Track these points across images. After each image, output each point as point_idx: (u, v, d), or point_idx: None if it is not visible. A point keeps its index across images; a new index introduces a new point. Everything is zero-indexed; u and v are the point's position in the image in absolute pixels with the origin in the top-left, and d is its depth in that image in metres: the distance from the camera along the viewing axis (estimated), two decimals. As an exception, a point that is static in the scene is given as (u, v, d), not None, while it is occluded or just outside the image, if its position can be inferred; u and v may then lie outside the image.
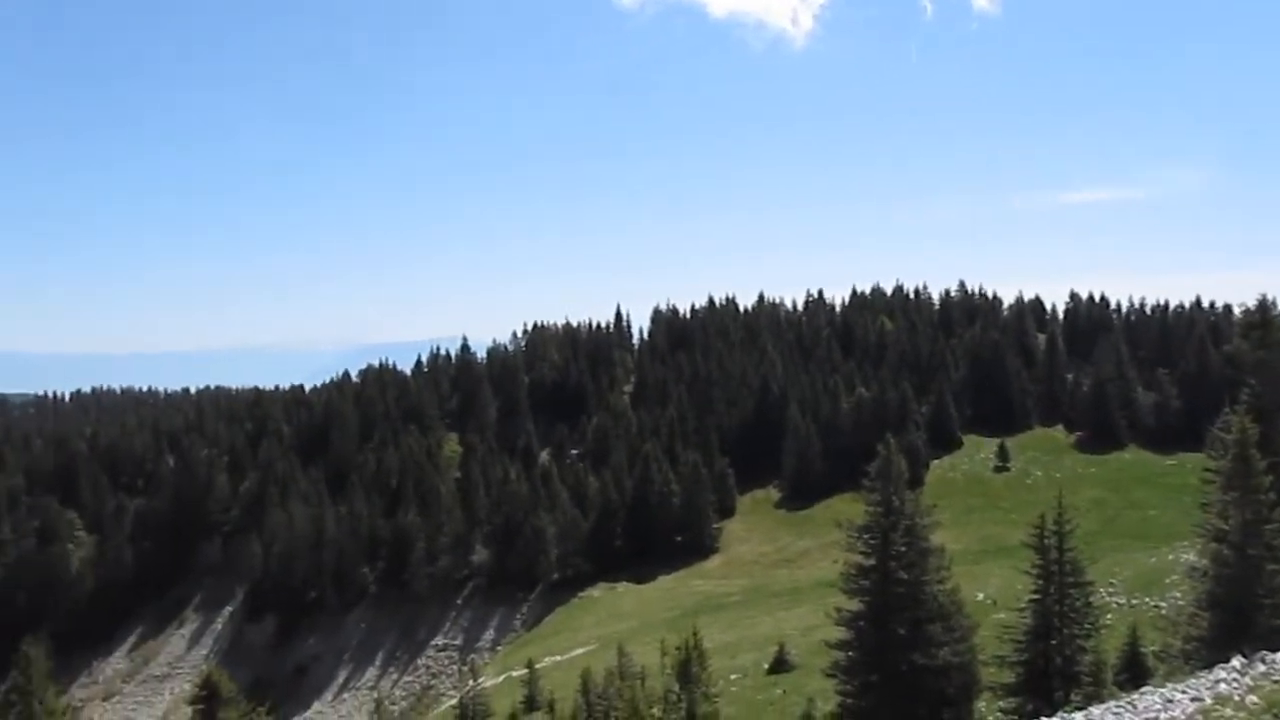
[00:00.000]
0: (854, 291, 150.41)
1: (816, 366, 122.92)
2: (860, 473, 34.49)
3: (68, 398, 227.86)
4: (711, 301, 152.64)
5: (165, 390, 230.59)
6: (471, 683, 54.63)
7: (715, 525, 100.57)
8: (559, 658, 68.40)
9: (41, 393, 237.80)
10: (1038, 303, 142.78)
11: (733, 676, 49.38)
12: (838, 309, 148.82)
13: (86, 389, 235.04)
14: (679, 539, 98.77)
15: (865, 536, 31.92)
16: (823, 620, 38.00)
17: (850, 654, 32.74)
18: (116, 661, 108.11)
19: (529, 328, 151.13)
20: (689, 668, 37.38)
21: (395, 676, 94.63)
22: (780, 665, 49.53)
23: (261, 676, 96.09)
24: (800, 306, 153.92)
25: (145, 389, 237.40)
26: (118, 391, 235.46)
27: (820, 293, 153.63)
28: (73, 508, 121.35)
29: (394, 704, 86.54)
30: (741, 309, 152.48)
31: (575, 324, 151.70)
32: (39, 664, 28.22)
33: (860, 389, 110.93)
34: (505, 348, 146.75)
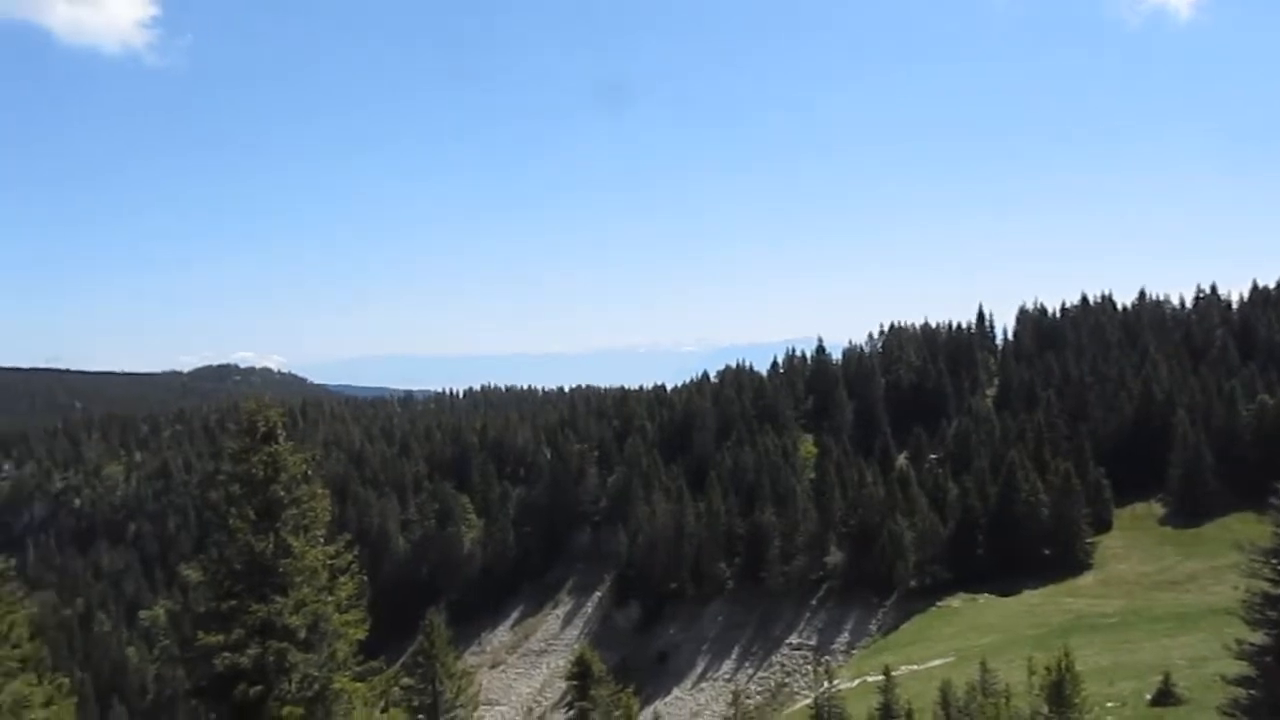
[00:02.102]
0: (1254, 286, 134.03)
1: (1209, 370, 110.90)
2: (1264, 488, 30.75)
3: (462, 395, 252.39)
4: (1085, 299, 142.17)
5: (543, 389, 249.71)
6: (826, 685, 54.45)
7: (1089, 540, 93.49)
8: (916, 667, 66.58)
9: (440, 390, 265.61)
10: None
11: (1109, 705, 45.68)
12: (1234, 306, 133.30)
13: (477, 387, 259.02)
14: (1047, 552, 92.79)
15: (1273, 561, 28.39)
16: (1217, 652, 34.21)
17: (1253, 692, 29.22)
18: (501, 634, 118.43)
19: (885, 328, 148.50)
20: (1061, 690, 35.01)
21: (751, 671, 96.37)
22: (1165, 697, 45.16)
23: (626, 659, 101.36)
24: (1189, 304, 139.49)
25: (526, 387, 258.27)
26: (503, 390, 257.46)
27: (1213, 288, 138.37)
28: (466, 493, 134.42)
29: (749, 698, 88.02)
30: (1119, 307, 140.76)
31: (934, 324, 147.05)
32: (441, 631, 31.54)
33: (1263, 395, 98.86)
34: (861, 349, 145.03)
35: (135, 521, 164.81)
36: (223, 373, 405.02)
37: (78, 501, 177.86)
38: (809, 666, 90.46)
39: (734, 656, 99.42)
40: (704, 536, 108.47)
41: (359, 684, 18.34)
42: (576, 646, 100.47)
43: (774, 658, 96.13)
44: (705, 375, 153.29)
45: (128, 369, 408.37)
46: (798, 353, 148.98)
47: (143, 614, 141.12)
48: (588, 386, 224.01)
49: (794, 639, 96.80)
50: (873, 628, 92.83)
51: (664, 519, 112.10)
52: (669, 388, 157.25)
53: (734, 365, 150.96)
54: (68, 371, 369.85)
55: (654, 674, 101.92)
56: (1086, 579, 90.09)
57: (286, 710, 16.67)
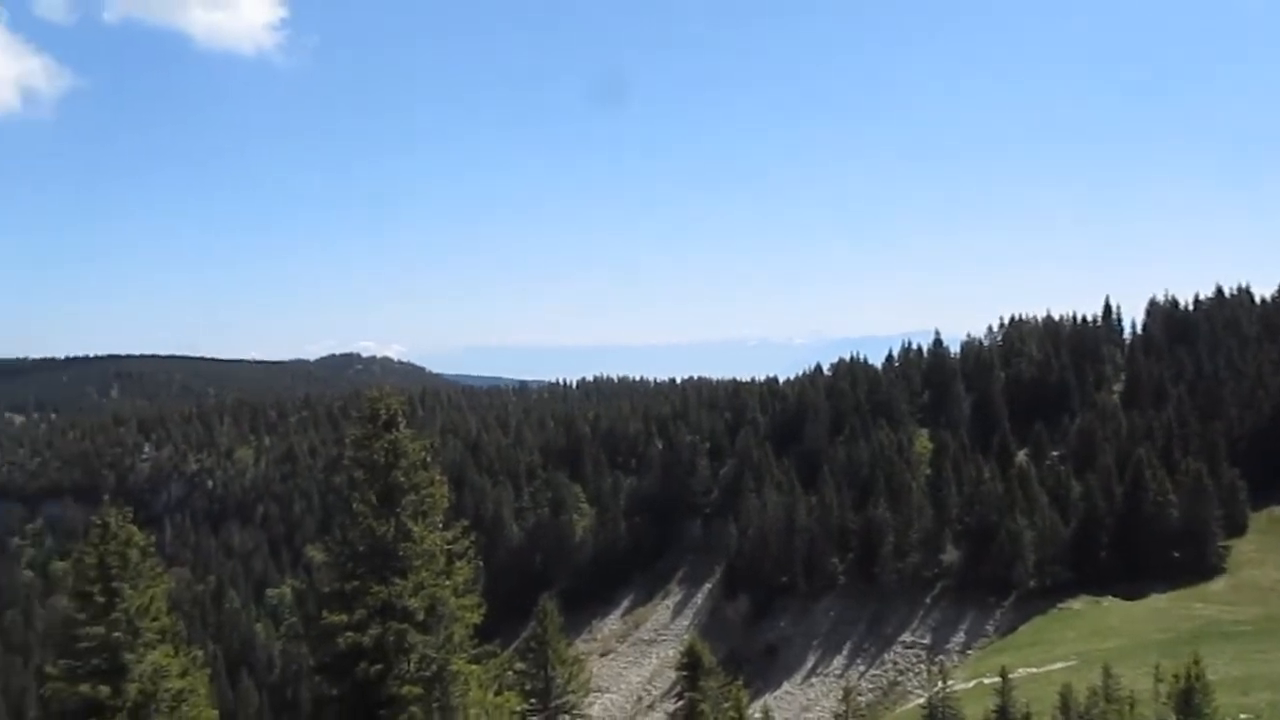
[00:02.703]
0: None
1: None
2: None
3: (575, 385, 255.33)
4: (1219, 291, 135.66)
5: (655, 380, 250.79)
6: (941, 684, 53.49)
7: (1221, 544, 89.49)
8: (1034, 670, 64.85)
9: (554, 380, 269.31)
10: None
11: (1242, 717, 43.75)
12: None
13: (590, 378, 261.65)
14: (1175, 555, 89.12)
15: None
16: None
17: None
18: (612, 622, 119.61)
19: (1005, 321, 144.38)
20: (1190, 699, 33.73)
21: (862, 668, 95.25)
22: (1304, 710, 43.12)
23: (735, 651, 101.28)
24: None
25: (638, 378, 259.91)
26: (615, 380, 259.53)
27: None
28: (578, 482, 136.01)
29: (860, 695, 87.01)
30: (1257, 299, 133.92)
31: (1057, 317, 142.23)
32: (554, 618, 32.10)
33: None
34: (980, 342, 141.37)
35: (263, 503, 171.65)
36: (346, 361, 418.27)
37: (211, 483, 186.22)
38: (922, 666, 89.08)
39: (845, 653, 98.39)
40: (816, 531, 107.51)
41: (475, 666, 18.84)
42: (686, 637, 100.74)
43: (886, 656, 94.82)
44: (818, 368, 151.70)
45: (258, 357, 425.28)
46: (913, 346, 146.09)
47: (270, 592, 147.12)
48: (699, 378, 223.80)
49: (907, 637, 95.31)
50: (989, 628, 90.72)
51: (775, 512, 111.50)
52: (781, 380, 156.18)
53: (847, 358, 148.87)
54: (203, 359, 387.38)
55: (763, 667, 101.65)
56: (1218, 584, 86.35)
57: (405, 689, 17.24)
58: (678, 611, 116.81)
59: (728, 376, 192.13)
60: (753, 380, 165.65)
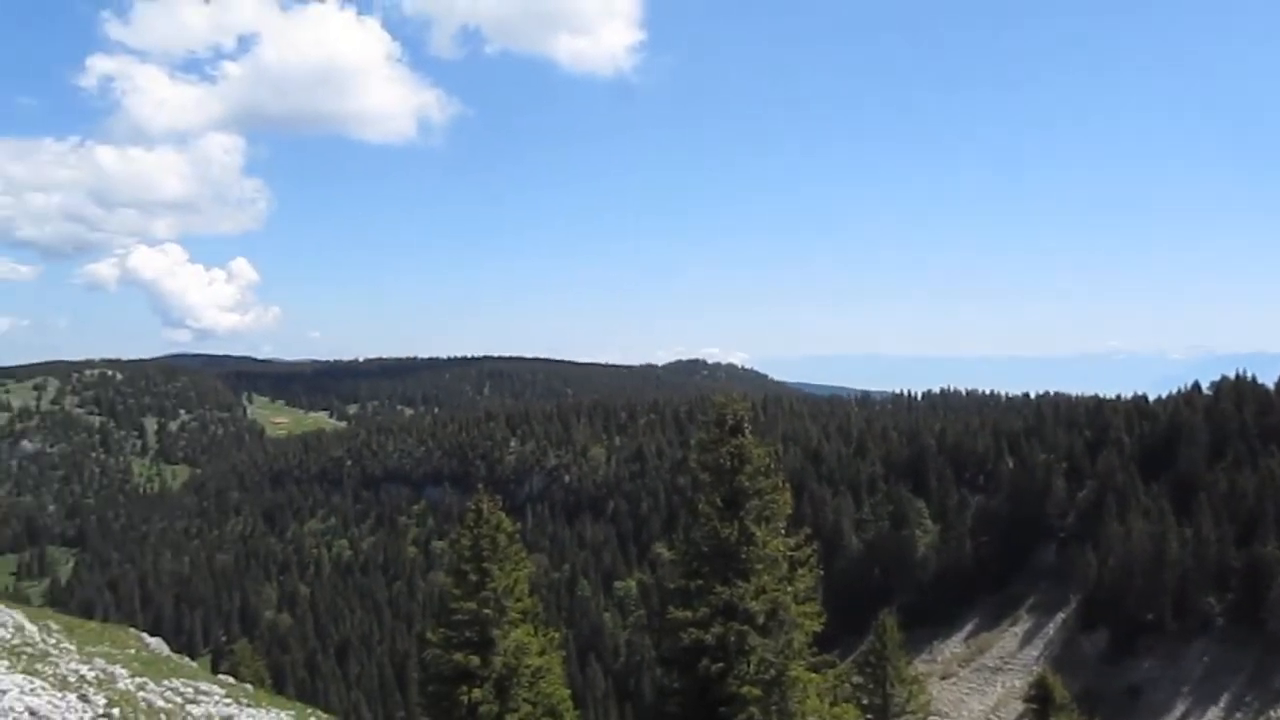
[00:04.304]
0: None
1: None
2: None
3: (920, 396, 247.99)
4: None
5: (1006, 394, 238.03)
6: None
7: None
8: None
9: (898, 391, 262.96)
10: None
11: None
12: None
13: (936, 389, 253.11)
14: None
15: None
16: None
17: None
18: (954, 645, 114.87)
19: None
20: None
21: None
22: None
23: (1090, 688, 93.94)
24: None
25: (988, 391, 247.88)
26: (963, 393, 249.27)
27: None
28: (921, 497, 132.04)
29: (1241, 753, 78.07)
30: None
31: None
32: (893, 634, 31.44)
33: None
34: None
35: (614, 499, 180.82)
36: (692, 367, 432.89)
37: (567, 478, 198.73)
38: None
39: (1222, 705, 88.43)
40: (1189, 565, 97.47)
41: (814, 675, 18.88)
42: (1036, 668, 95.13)
43: (1273, 712, 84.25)
44: (1196, 385, 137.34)
45: (611, 361, 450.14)
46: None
47: (618, 584, 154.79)
48: (1056, 393, 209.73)
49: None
50: None
51: (1141, 542, 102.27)
52: (1150, 398, 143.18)
53: (1232, 376, 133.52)
54: (562, 362, 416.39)
55: (1122, 708, 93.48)
56: None
57: (745, 689, 17.58)
58: (1026, 640, 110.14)
59: (1088, 392, 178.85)
60: (1118, 397, 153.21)
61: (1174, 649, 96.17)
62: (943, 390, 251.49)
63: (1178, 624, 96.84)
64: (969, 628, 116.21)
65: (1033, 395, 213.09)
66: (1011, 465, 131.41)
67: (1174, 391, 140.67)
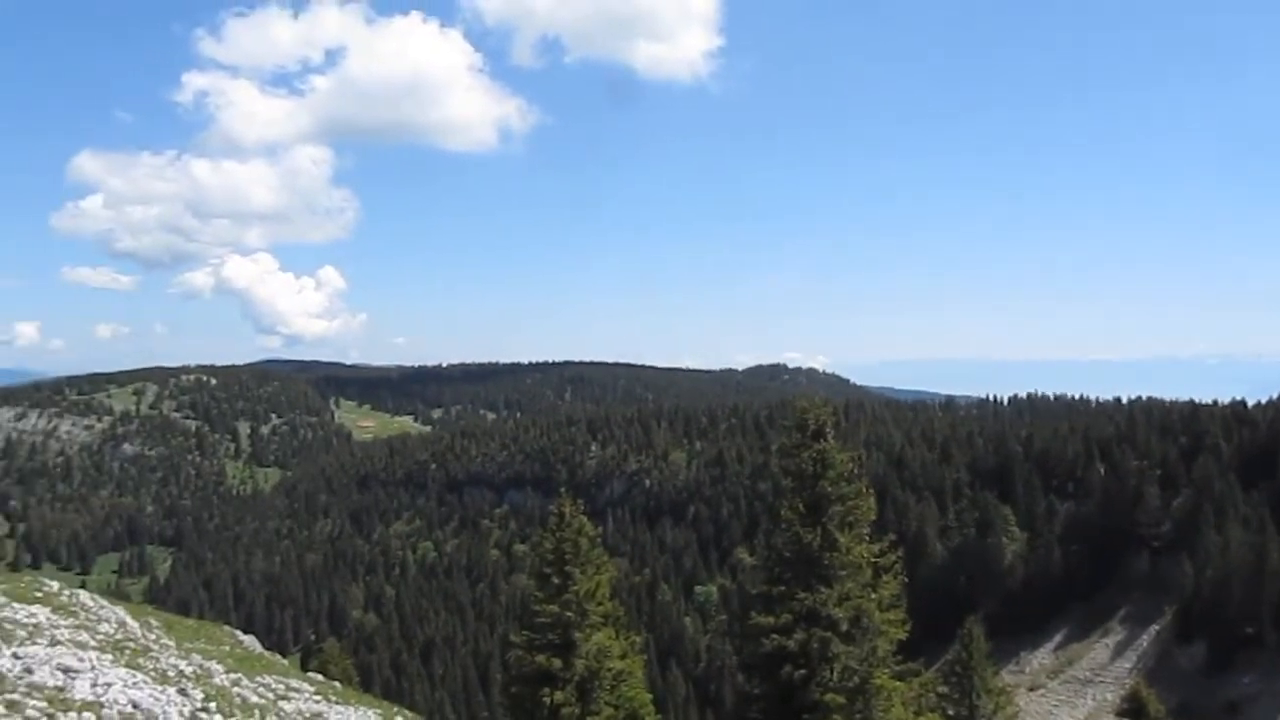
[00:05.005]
0: None
1: None
2: None
3: (1006, 401, 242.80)
4: None
5: (1096, 398, 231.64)
6: None
7: None
8: None
9: (984, 395, 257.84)
10: None
11: None
12: None
13: (1023, 394, 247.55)
14: None
15: None
16: None
17: None
18: (1042, 656, 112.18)
19: None
20: None
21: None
22: None
23: (1186, 702, 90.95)
24: None
25: (1077, 396, 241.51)
26: (1050, 397, 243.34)
27: None
28: (1008, 504, 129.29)
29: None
30: None
31: None
32: (979, 644, 30.85)
33: None
34: None
35: (694, 504, 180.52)
36: (773, 372, 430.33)
37: (648, 482, 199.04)
38: None
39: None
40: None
41: (898, 683, 18.64)
42: (1129, 681, 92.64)
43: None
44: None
45: (691, 366, 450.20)
46: None
47: (698, 589, 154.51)
48: (1148, 398, 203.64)
49: None
50: None
51: (1240, 552, 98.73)
52: (1249, 403, 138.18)
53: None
54: (643, 367, 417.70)
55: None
56: None
57: (828, 697, 17.44)
58: (1118, 652, 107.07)
59: (1182, 397, 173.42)
60: (1215, 403, 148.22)
61: (1275, 664, 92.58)
62: (1029, 395, 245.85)
63: (1279, 637, 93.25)
64: (1058, 638, 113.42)
65: (1124, 400, 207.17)
66: (1103, 472, 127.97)
67: (1275, 397, 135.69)
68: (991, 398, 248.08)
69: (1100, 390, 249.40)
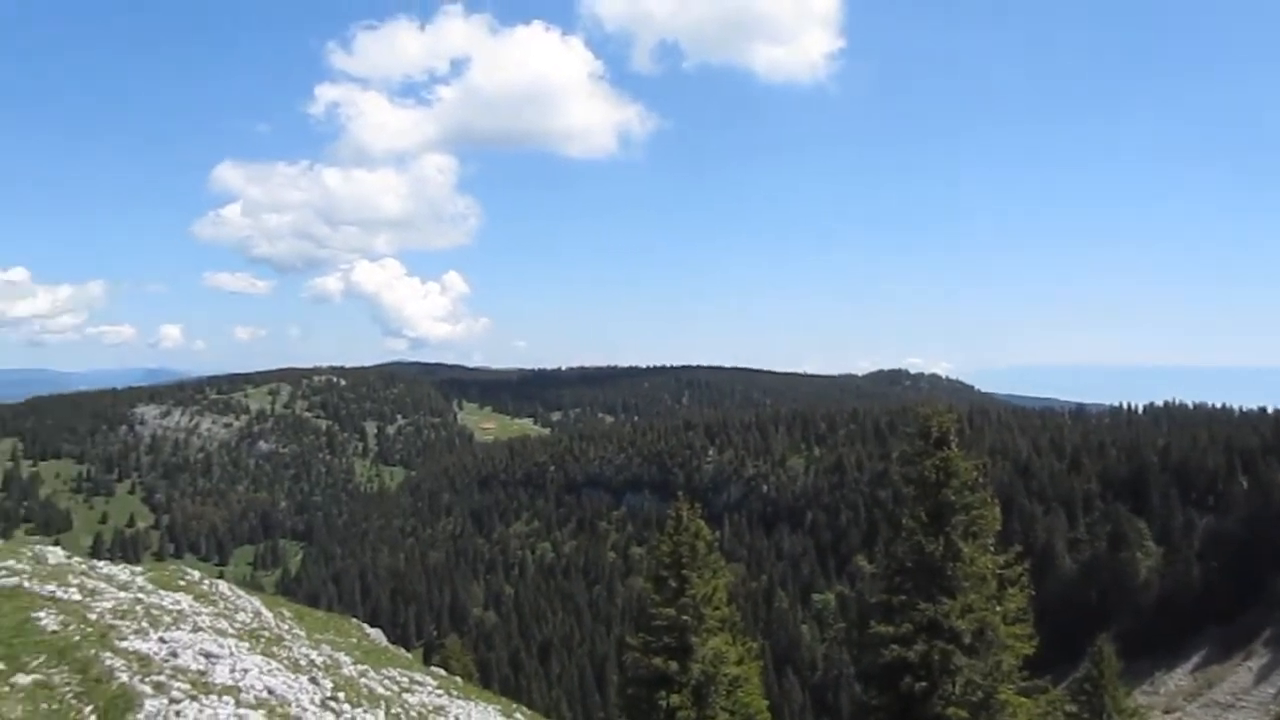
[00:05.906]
0: None
1: None
2: None
3: (1141, 409, 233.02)
4: None
5: (1240, 407, 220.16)
6: None
7: None
8: None
9: (1117, 403, 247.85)
10: None
11: None
12: None
13: (1159, 402, 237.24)
14: None
15: None
16: None
17: None
18: (1179, 677, 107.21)
19: None
20: None
21: None
22: None
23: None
24: None
25: (1218, 405, 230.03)
26: (1189, 406, 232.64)
27: None
28: (1142, 516, 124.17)
29: None
30: None
31: None
32: (1111, 662, 29.65)
33: None
34: None
35: (812, 511, 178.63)
36: (894, 377, 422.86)
37: (765, 488, 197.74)
38: None
39: None
40: None
41: (1024, 699, 18.06)
42: (1275, 709, 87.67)
43: None
44: None
45: (809, 371, 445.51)
46: None
47: (815, 597, 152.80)
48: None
49: None
50: None
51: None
52: None
53: None
54: (760, 371, 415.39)
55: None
56: None
57: (950, 710, 17.01)
58: (1262, 676, 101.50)
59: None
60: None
61: None
62: (1166, 403, 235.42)
63: None
64: (1196, 659, 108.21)
65: (1270, 410, 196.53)
66: (1246, 485, 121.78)
67: None
68: (1125, 406, 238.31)
69: (1244, 399, 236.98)
